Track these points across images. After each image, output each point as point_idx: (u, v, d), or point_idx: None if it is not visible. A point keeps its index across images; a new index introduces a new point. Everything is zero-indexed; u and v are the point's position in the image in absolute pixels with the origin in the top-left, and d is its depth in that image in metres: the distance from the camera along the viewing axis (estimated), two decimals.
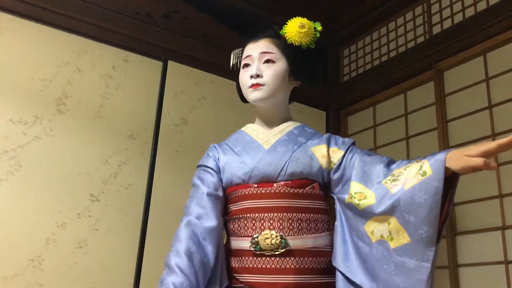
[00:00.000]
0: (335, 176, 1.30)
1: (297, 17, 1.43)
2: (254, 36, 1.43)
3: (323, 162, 1.30)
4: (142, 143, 2.31)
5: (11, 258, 1.89)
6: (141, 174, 2.26)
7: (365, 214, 1.18)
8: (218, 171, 1.37)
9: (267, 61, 1.36)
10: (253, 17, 2.80)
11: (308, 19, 1.47)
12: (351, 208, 1.23)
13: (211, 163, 1.39)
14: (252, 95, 1.36)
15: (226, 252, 1.32)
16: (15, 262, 1.89)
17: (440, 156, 1.07)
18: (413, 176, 1.10)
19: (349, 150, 1.32)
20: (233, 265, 1.29)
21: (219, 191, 1.35)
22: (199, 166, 1.44)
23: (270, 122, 1.41)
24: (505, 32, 2.13)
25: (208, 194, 1.33)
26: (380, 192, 1.16)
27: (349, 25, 3.01)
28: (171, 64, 2.49)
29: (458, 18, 2.37)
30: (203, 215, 1.29)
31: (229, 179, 1.34)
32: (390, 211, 1.11)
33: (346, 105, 2.96)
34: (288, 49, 1.39)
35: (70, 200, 2.05)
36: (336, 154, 1.32)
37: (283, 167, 1.28)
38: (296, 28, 1.39)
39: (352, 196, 1.22)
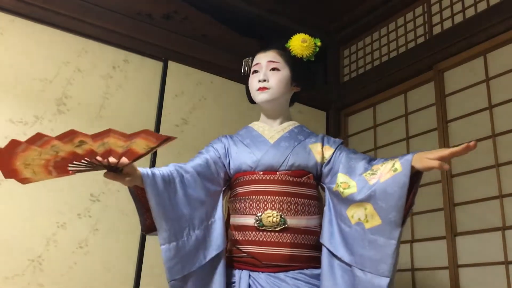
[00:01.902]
0: (325, 169, 1.55)
1: (301, 33, 1.67)
2: (264, 47, 1.68)
3: (318, 157, 1.56)
4: None
5: (12, 258, 1.89)
6: None
7: (348, 201, 1.43)
8: (223, 155, 1.60)
9: (273, 69, 1.61)
10: (254, 17, 2.80)
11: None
12: (337, 195, 1.48)
13: (219, 146, 1.62)
14: (259, 97, 1.61)
15: (230, 228, 1.56)
16: (15, 262, 1.89)
17: (408, 156, 1.32)
18: (387, 172, 1.34)
19: (338, 148, 1.58)
20: (237, 238, 1.51)
21: (211, 166, 1.56)
22: (208, 145, 1.66)
23: (273, 121, 1.66)
24: (506, 33, 2.13)
25: (199, 159, 1.57)
26: (360, 183, 1.42)
27: (350, 25, 3.01)
28: (171, 64, 2.49)
29: (459, 18, 2.37)
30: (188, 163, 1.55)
31: (239, 166, 1.57)
32: (367, 199, 1.37)
33: (347, 105, 2.96)
34: (291, 59, 1.64)
35: (71, 200, 2.06)
36: (328, 151, 1.58)
37: (285, 159, 1.53)
38: (299, 42, 1.65)
39: (338, 185, 1.48)
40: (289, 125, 1.65)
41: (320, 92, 2.98)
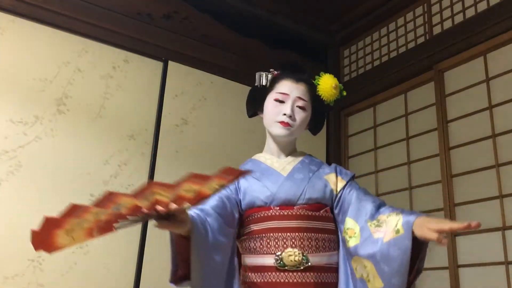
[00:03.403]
0: (336, 204, 1.48)
1: (331, 75, 1.59)
2: (295, 75, 1.55)
3: (334, 188, 1.49)
4: (142, 143, 2.31)
5: (12, 258, 1.89)
6: (142, 175, 2.26)
7: (351, 251, 1.38)
8: (234, 191, 1.48)
9: (300, 107, 1.51)
10: (254, 17, 2.80)
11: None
12: (344, 241, 1.42)
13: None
14: (279, 131, 1.51)
15: (242, 269, 1.45)
16: (15, 262, 1.89)
17: (411, 218, 1.24)
18: (391, 231, 1.28)
19: (349, 183, 1.50)
20: (254, 280, 1.40)
21: (226, 205, 1.44)
22: None
23: (281, 153, 1.57)
24: (506, 33, 2.13)
25: (220, 197, 1.44)
26: (364, 233, 1.36)
27: (350, 25, 3.01)
28: (171, 64, 2.49)
29: (459, 18, 2.37)
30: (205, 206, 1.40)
31: (251, 201, 1.47)
32: (369, 257, 1.31)
33: (347, 105, 2.96)
34: (315, 101, 1.56)
35: (71, 200, 2.02)
36: (340, 183, 1.50)
37: (302, 192, 1.45)
38: (330, 86, 1.57)
39: (345, 231, 1.42)
40: (299, 155, 1.57)
41: None
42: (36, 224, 0.94)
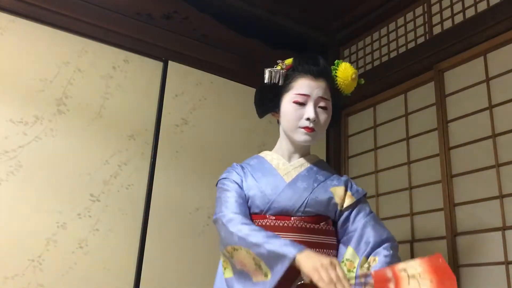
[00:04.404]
0: (341, 222, 1.38)
1: (348, 64, 1.45)
2: (314, 70, 1.40)
3: (339, 202, 1.38)
4: (142, 143, 2.31)
5: (12, 258, 1.89)
6: (142, 175, 2.26)
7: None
8: (242, 186, 1.41)
9: (322, 107, 1.39)
10: (254, 17, 2.80)
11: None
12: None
13: (236, 178, 1.43)
14: (303, 137, 1.39)
15: None
16: (15, 262, 1.89)
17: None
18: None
19: (359, 202, 1.39)
20: None
21: (244, 200, 1.38)
22: (222, 179, 1.46)
23: (293, 155, 1.46)
24: (506, 33, 2.13)
25: (237, 201, 1.36)
26: (357, 271, 1.27)
27: (350, 25, 3.00)
28: (171, 64, 2.49)
29: (459, 18, 2.37)
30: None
31: (249, 205, 1.38)
32: None
33: (347, 105, 2.96)
34: (334, 95, 1.43)
35: (71, 200, 2.06)
36: (349, 198, 1.39)
37: (302, 203, 1.34)
38: (350, 78, 1.43)
39: (343, 262, 1.32)
40: (308, 160, 1.45)
41: None
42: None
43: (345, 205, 1.38)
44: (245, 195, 1.39)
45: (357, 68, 2.99)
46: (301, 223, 1.33)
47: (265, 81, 1.42)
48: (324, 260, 1.09)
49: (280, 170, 1.42)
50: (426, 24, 2.55)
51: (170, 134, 2.40)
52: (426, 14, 2.57)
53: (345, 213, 1.38)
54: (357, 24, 2.97)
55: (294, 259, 1.11)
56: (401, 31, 2.72)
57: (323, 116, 1.39)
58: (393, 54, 2.74)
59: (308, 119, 1.36)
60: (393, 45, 2.75)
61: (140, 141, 2.30)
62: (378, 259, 1.28)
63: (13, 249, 1.90)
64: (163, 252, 2.21)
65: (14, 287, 1.87)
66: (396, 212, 2.45)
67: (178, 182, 2.34)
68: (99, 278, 2.05)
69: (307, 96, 1.38)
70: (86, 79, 2.23)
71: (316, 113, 1.37)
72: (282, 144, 1.48)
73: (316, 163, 1.45)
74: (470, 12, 2.32)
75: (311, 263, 1.09)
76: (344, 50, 3.13)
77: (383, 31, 2.84)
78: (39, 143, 2.04)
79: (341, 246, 1.38)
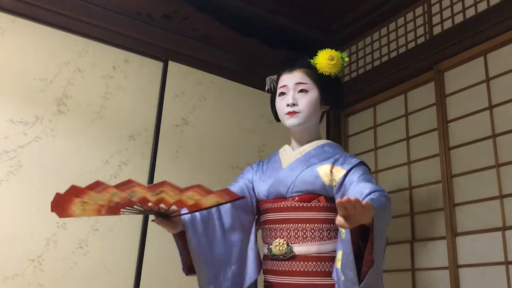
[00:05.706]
0: (337, 196, 1.46)
1: (327, 49, 1.60)
2: (289, 66, 1.61)
3: (326, 180, 1.47)
4: (142, 143, 2.31)
5: (12, 258, 1.89)
6: (142, 175, 2.26)
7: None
8: (251, 183, 1.62)
9: (301, 90, 1.55)
10: (254, 17, 2.80)
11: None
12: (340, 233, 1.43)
13: (249, 174, 1.65)
14: (289, 121, 1.56)
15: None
16: (15, 262, 1.89)
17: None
18: None
19: (351, 171, 1.45)
20: (263, 267, 1.56)
21: (245, 195, 1.58)
22: (243, 172, 1.70)
23: (300, 143, 1.61)
24: (506, 33, 2.13)
25: (241, 185, 1.60)
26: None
27: (350, 25, 3.00)
28: (171, 64, 2.49)
29: (459, 18, 2.37)
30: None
31: (258, 195, 1.59)
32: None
33: (347, 105, 2.95)
34: (319, 79, 1.58)
35: None
36: (338, 172, 1.47)
37: (290, 185, 1.49)
38: (326, 60, 1.57)
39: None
40: (310, 146, 1.58)
41: None
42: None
43: (337, 179, 1.47)
44: (252, 187, 1.60)
45: (357, 68, 2.99)
46: (293, 203, 1.48)
47: (266, 89, 1.68)
48: None
49: (283, 160, 1.58)
50: (426, 24, 2.55)
51: (170, 134, 2.40)
52: (426, 14, 2.57)
53: (338, 184, 1.47)
54: (357, 24, 2.97)
55: None
56: (401, 31, 2.72)
57: (304, 99, 1.54)
58: (393, 54, 2.74)
59: (288, 105, 1.54)
60: (393, 45, 2.75)
61: (140, 141, 2.31)
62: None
63: (13, 249, 1.90)
64: (163, 252, 2.20)
65: (14, 287, 1.87)
66: (396, 212, 2.46)
67: (178, 182, 2.31)
68: (99, 278, 2.05)
69: (285, 86, 1.57)
70: (86, 79, 2.23)
71: (295, 98, 1.54)
72: (291, 137, 1.65)
73: (318, 147, 1.56)
74: (470, 12, 2.32)
75: None
76: (344, 50, 3.13)
77: (383, 31, 2.84)
78: (39, 143, 2.04)
79: None
